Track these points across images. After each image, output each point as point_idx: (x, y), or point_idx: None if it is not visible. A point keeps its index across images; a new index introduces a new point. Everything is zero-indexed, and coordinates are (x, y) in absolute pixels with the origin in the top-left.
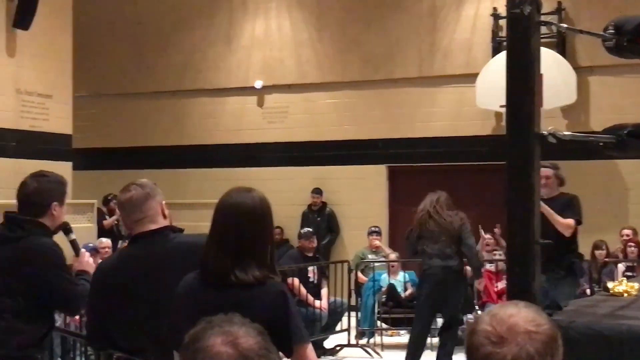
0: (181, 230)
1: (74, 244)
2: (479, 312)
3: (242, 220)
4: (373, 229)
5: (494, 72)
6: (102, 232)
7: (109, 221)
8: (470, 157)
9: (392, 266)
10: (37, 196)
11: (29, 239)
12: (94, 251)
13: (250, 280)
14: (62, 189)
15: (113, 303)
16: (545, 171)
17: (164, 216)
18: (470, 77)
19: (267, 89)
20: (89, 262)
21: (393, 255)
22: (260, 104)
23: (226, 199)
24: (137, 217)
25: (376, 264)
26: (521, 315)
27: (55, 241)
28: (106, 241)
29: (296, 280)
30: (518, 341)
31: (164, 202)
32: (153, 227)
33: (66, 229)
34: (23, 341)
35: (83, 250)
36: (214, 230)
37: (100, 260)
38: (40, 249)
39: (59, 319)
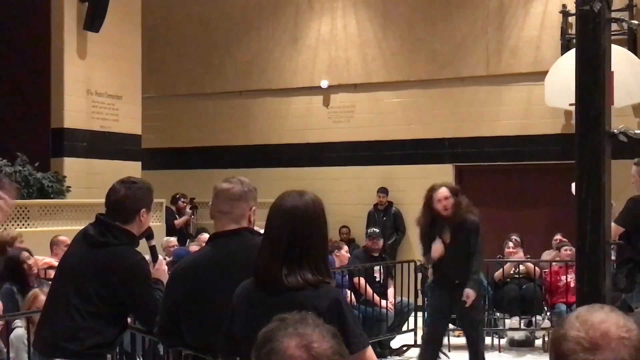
0: (260, 234)
1: (153, 250)
2: (548, 313)
3: (296, 225)
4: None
5: (563, 70)
6: (170, 230)
7: (179, 221)
8: (539, 156)
9: None
10: (127, 203)
11: (118, 248)
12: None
13: (303, 284)
14: (150, 196)
15: (187, 301)
16: (633, 169)
17: (249, 221)
18: (538, 75)
19: (333, 88)
20: (165, 271)
21: None
22: (326, 103)
23: (279, 203)
24: (224, 209)
25: None
26: (612, 321)
27: (142, 255)
28: (173, 240)
29: (362, 280)
30: (612, 347)
31: (254, 208)
32: (234, 227)
33: (148, 235)
34: (99, 341)
35: (161, 258)
36: (267, 234)
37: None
38: (129, 261)
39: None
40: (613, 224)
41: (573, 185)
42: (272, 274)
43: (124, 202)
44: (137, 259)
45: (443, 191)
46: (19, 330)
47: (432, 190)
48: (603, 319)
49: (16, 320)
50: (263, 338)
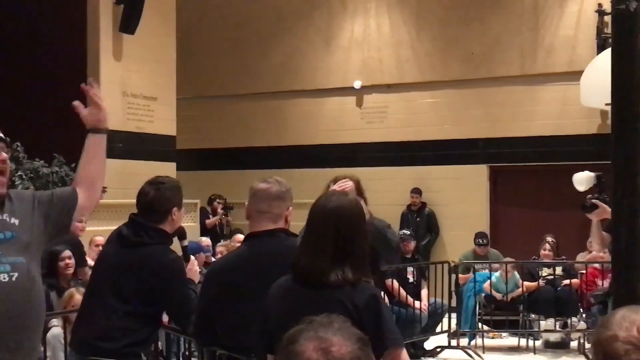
0: (295, 235)
1: (185, 250)
2: (584, 315)
3: (340, 224)
4: (480, 241)
5: (599, 70)
6: (204, 230)
7: (211, 220)
8: (575, 156)
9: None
10: (157, 204)
11: (153, 247)
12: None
13: (344, 282)
14: (179, 194)
15: (222, 301)
16: None
17: (286, 221)
18: (574, 75)
19: (366, 89)
20: (196, 272)
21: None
22: (359, 104)
23: (323, 203)
24: (262, 209)
25: (476, 265)
26: None
27: (177, 254)
28: (206, 240)
29: (395, 282)
30: None
31: (291, 208)
32: (270, 227)
33: (181, 234)
34: (134, 340)
35: (193, 258)
36: (312, 233)
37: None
38: (163, 260)
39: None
40: None
41: (575, 179)
42: (316, 272)
43: (154, 204)
44: (171, 258)
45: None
46: (56, 329)
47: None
48: None
49: (52, 320)
50: (286, 339)
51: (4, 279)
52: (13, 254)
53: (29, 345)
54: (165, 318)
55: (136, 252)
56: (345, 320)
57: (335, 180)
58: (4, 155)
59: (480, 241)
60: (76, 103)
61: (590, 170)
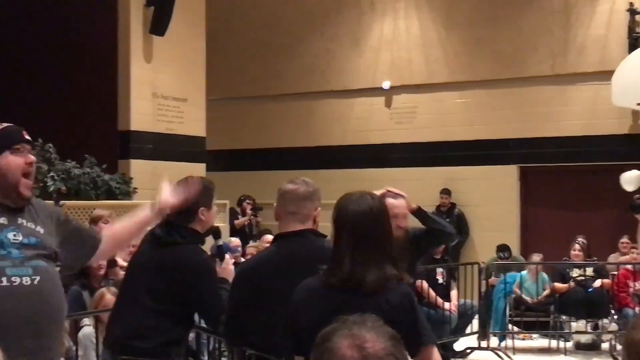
0: (323, 236)
1: (220, 249)
2: (615, 316)
3: (377, 225)
4: (502, 255)
5: (631, 69)
6: (233, 231)
7: (240, 221)
8: (606, 156)
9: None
10: (185, 203)
11: (185, 247)
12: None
13: (382, 284)
14: (208, 194)
15: (252, 301)
16: None
17: (315, 222)
18: (605, 75)
19: (395, 89)
20: (231, 271)
21: (537, 258)
22: (388, 104)
23: (351, 203)
24: (291, 210)
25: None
26: None
27: (207, 253)
28: (235, 240)
29: (424, 283)
30: None
31: (319, 209)
32: (299, 227)
33: (215, 233)
34: (167, 339)
35: (227, 257)
36: (343, 235)
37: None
38: (194, 260)
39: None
40: None
41: (624, 179)
42: (354, 275)
43: (182, 202)
44: (202, 258)
45: None
46: (88, 328)
47: None
48: None
49: (84, 319)
50: (321, 337)
51: (27, 282)
52: (36, 258)
53: (47, 348)
54: (196, 318)
55: (168, 251)
56: (378, 319)
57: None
58: (32, 157)
59: (502, 255)
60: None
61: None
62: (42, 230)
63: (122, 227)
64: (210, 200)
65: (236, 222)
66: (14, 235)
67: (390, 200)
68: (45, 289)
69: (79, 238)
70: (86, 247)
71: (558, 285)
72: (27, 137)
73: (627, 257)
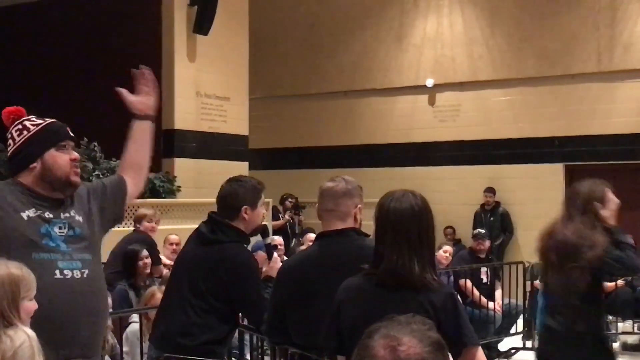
0: (367, 235)
1: (268, 247)
2: None
3: (422, 224)
4: None
5: None
6: (276, 230)
7: (277, 223)
8: None
9: None
10: (229, 200)
11: (229, 245)
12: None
13: (427, 284)
14: (254, 194)
15: (294, 300)
16: None
17: (356, 219)
18: None
19: (439, 87)
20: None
21: None
22: (432, 102)
23: (393, 201)
24: (329, 207)
25: None
26: None
27: (251, 252)
28: (278, 239)
29: (469, 282)
30: None
31: (360, 206)
32: (340, 226)
33: (264, 232)
34: (211, 337)
35: (276, 255)
36: (385, 232)
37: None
38: (239, 258)
39: None
40: None
41: None
42: (402, 273)
43: (225, 199)
44: (245, 257)
45: None
46: (134, 325)
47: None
48: None
49: (132, 316)
50: (366, 333)
51: (77, 275)
52: (81, 251)
53: (98, 340)
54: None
55: (212, 249)
56: (426, 323)
57: None
58: (76, 154)
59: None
60: (120, 89)
61: None
62: (81, 219)
63: (129, 152)
64: (256, 200)
65: (274, 223)
66: (60, 229)
67: None
68: (94, 282)
69: (112, 196)
70: (118, 192)
71: (605, 284)
72: (71, 133)
73: None
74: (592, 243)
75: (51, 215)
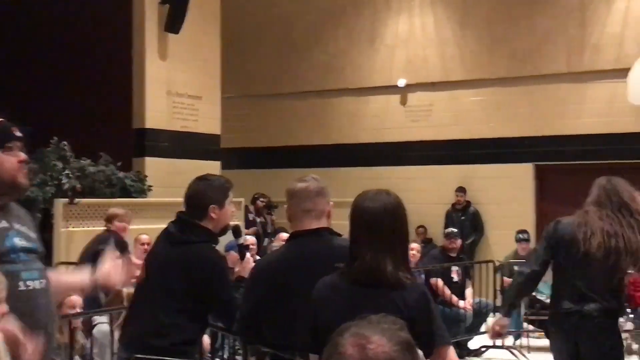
0: (339, 235)
1: (240, 247)
2: (632, 315)
3: (396, 223)
4: (521, 236)
5: None
6: (249, 229)
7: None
8: (623, 154)
9: None
10: (195, 199)
11: (199, 245)
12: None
13: (401, 282)
14: (221, 193)
15: (268, 299)
16: None
17: (329, 217)
18: (621, 72)
19: (411, 87)
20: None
21: None
22: (404, 102)
23: (367, 201)
24: (307, 207)
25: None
26: None
27: (220, 252)
28: (251, 239)
29: (440, 281)
30: None
31: (332, 203)
32: (314, 225)
33: (236, 232)
34: (183, 337)
35: (248, 255)
36: (359, 231)
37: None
38: (209, 258)
39: None
40: None
41: None
42: (377, 272)
43: (193, 199)
44: (217, 257)
45: None
46: (103, 326)
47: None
48: None
49: (99, 317)
50: (337, 331)
51: (38, 286)
52: (37, 260)
53: (53, 348)
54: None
55: (182, 249)
56: (397, 322)
57: None
58: (24, 155)
59: (521, 236)
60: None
61: (638, 168)
62: (33, 235)
63: (56, 281)
64: (224, 198)
65: (246, 231)
66: (19, 240)
67: None
68: (49, 291)
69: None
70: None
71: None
72: (18, 133)
73: None
74: None
75: (7, 225)
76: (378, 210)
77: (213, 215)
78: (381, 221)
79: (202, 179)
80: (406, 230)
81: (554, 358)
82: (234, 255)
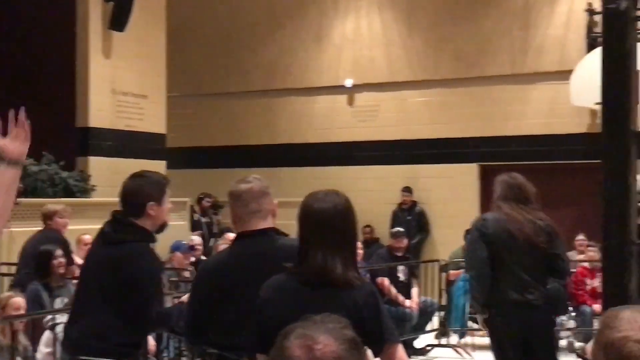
0: (286, 235)
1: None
2: (574, 314)
3: (346, 223)
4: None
5: (589, 69)
6: (194, 229)
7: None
8: (565, 155)
9: None
10: (133, 196)
11: (132, 244)
12: (190, 250)
13: (350, 281)
14: (159, 189)
15: (214, 300)
16: None
17: (273, 216)
18: (564, 74)
19: (358, 87)
20: None
21: None
22: (351, 102)
23: (317, 201)
24: (253, 208)
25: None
26: None
27: (154, 253)
28: (197, 239)
29: (386, 280)
30: None
31: (276, 202)
32: (261, 225)
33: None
34: (125, 339)
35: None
36: (307, 231)
37: (193, 258)
38: (141, 258)
39: None
40: None
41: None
42: (325, 272)
43: (129, 196)
44: (148, 257)
45: None
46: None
47: None
48: None
49: (46, 318)
50: (281, 334)
51: None
52: None
53: None
54: None
55: (116, 249)
56: (342, 321)
57: None
58: None
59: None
60: None
61: (580, 169)
62: None
63: None
64: (162, 195)
65: (193, 236)
66: None
67: None
68: None
69: None
70: None
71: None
72: None
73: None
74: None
75: None
76: (328, 210)
77: (151, 212)
78: (331, 222)
79: (139, 175)
80: (355, 230)
81: (496, 345)
82: (179, 255)
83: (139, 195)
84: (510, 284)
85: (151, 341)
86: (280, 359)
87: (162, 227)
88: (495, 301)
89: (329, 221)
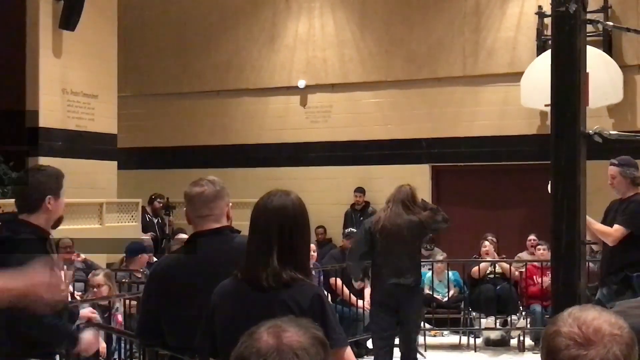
0: (239, 232)
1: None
2: (524, 313)
3: (284, 223)
4: (428, 246)
5: (539, 71)
6: (145, 230)
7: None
8: (515, 156)
9: (438, 267)
10: (32, 191)
11: (14, 243)
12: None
13: (288, 282)
14: (56, 182)
15: (169, 301)
16: (609, 170)
17: (228, 217)
18: (514, 76)
19: (310, 88)
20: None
21: (440, 257)
22: (304, 103)
23: (267, 202)
24: (204, 213)
25: None
26: (604, 319)
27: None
28: (148, 239)
29: (339, 280)
30: (605, 343)
31: (230, 204)
32: (215, 226)
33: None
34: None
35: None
36: (255, 233)
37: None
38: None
39: (101, 319)
40: (616, 225)
41: (550, 185)
42: (261, 273)
43: (27, 191)
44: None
45: None
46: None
47: None
48: (595, 316)
49: None
50: (246, 334)
51: None
52: None
53: None
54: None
55: (1, 249)
56: (314, 324)
57: None
58: None
59: (428, 246)
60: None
61: (530, 170)
62: None
63: None
64: (59, 188)
65: (144, 237)
66: None
67: None
68: None
69: None
70: None
71: (474, 270)
72: None
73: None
74: None
75: None
76: (279, 211)
77: (49, 206)
78: (281, 223)
79: (35, 169)
80: (308, 232)
81: (374, 321)
82: (144, 257)
83: (37, 189)
84: (387, 270)
85: (102, 343)
86: (248, 345)
87: (58, 222)
88: (376, 283)
89: (278, 222)
